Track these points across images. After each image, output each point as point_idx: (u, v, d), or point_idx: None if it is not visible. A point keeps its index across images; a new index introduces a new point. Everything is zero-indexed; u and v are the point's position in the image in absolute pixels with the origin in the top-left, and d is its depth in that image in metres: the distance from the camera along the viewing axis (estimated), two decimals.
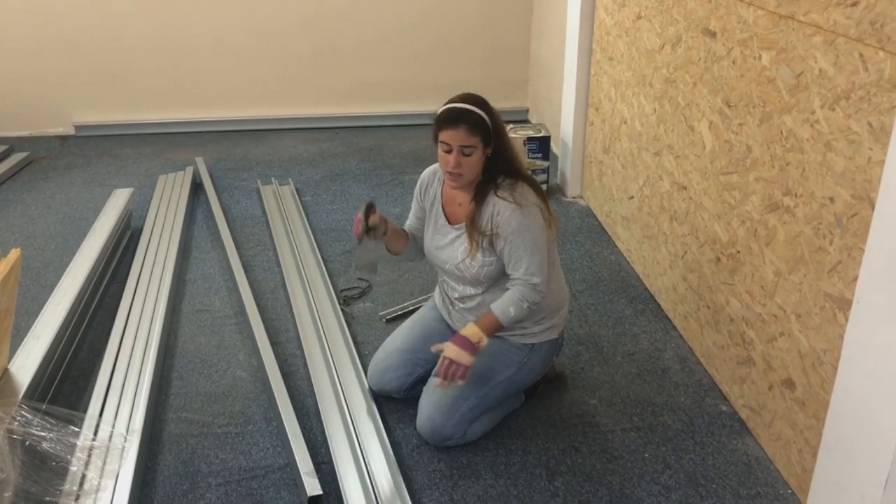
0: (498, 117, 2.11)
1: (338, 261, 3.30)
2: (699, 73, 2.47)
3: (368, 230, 2.14)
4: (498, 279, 2.17)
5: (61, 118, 4.92)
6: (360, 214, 2.13)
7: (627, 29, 3.09)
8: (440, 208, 2.25)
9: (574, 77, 3.67)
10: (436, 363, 2.28)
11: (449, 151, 2.05)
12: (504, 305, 2.10)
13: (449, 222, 2.23)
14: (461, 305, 2.28)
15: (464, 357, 2.06)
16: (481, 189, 2.12)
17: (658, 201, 2.87)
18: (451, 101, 2.09)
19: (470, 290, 2.22)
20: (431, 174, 2.30)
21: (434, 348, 2.13)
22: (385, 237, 2.21)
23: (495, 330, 2.12)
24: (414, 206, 2.36)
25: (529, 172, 2.26)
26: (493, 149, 2.09)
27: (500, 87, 5.09)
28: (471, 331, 2.08)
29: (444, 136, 2.04)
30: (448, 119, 2.04)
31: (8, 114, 4.83)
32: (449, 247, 2.21)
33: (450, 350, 2.07)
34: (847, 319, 1.75)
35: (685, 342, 2.71)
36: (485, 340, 2.08)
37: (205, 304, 2.99)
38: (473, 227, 2.11)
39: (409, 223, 2.38)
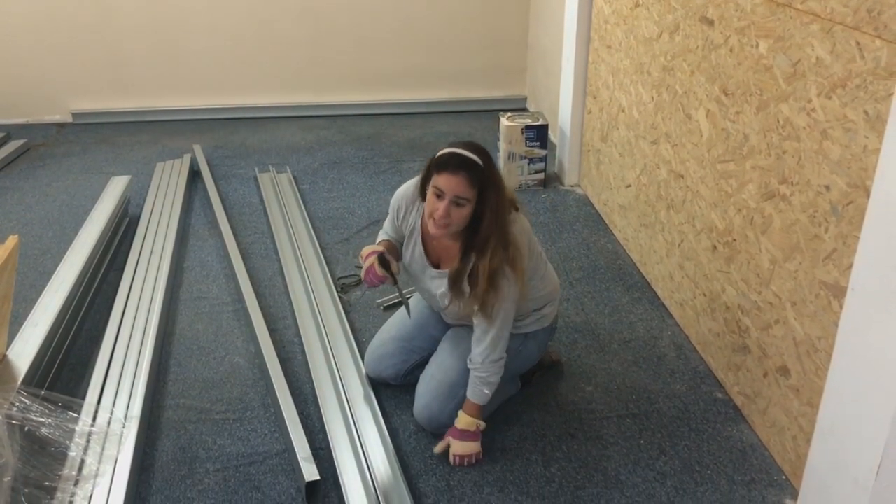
0: (497, 172, 1.99)
1: (335, 249, 3.30)
2: (697, 62, 2.46)
3: (395, 281, 2.12)
4: None
5: (58, 106, 4.91)
6: (378, 270, 2.08)
7: (625, 17, 3.08)
8: (419, 239, 2.16)
9: (572, 65, 3.66)
10: (431, 351, 2.31)
11: (440, 197, 1.93)
12: (479, 390, 2.09)
13: (429, 259, 2.16)
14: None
15: (471, 447, 2.11)
16: (467, 248, 2.01)
17: (655, 190, 2.87)
18: (454, 145, 1.96)
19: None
20: (408, 201, 2.16)
21: (436, 450, 2.14)
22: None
23: (482, 410, 2.13)
24: (390, 221, 2.24)
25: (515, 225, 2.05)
26: (487, 204, 1.95)
27: (499, 74, 5.09)
28: (465, 422, 2.10)
29: (441, 181, 1.91)
30: (449, 164, 1.91)
31: (5, 101, 4.82)
32: (429, 282, 2.18)
33: (456, 447, 2.10)
34: (842, 307, 1.75)
35: (681, 330, 2.72)
36: (482, 423, 2.12)
37: (203, 291, 3.00)
38: (455, 285, 2.04)
39: (389, 235, 2.27)
